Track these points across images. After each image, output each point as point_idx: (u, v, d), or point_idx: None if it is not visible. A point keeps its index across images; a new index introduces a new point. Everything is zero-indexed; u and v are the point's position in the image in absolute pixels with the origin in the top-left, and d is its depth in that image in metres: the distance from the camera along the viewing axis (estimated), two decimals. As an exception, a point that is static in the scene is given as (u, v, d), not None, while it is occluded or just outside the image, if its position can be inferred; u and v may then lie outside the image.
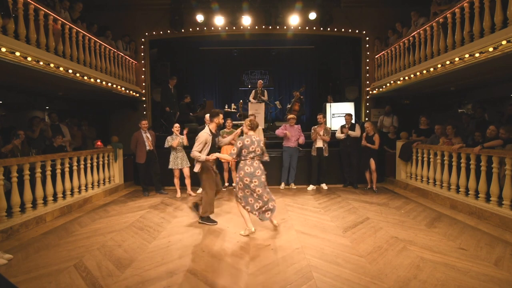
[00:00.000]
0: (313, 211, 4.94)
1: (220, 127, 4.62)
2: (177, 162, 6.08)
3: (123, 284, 2.67)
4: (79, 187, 5.63)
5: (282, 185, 6.78)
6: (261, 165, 3.81)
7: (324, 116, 6.85)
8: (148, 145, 6.18)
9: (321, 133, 6.52)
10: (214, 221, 4.28)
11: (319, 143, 6.58)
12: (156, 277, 2.78)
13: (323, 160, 6.61)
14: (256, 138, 3.77)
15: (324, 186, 6.76)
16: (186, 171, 6.13)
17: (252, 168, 3.68)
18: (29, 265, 3.05)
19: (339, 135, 6.75)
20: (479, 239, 3.60)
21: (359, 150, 6.55)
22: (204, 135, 4.09)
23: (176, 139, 6.08)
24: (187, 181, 6.19)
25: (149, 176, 6.38)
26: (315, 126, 6.68)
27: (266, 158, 3.89)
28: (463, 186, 4.97)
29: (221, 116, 4.30)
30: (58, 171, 5.04)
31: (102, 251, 3.39)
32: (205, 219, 4.27)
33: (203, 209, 4.26)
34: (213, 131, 4.27)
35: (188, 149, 6.30)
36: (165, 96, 8.25)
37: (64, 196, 5.23)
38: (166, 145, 6.11)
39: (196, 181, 6.49)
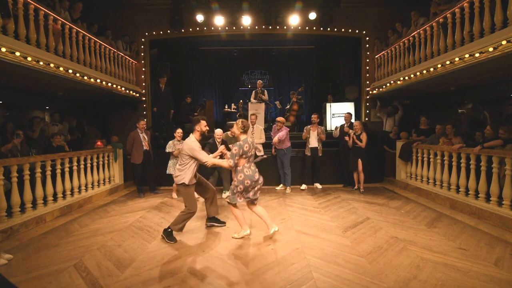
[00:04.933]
0: (313, 211, 4.94)
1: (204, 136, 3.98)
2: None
3: (123, 284, 2.67)
4: (79, 187, 5.63)
5: (279, 186, 6.80)
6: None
7: (318, 117, 6.75)
8: (145, 145, 6.17)
9: (316, 132, 6.50)
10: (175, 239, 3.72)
11: (314, 143, 6.55)
12: (156, 277, 2.78)
13: (317, 159, 6.60)
14: (251, 141, 3.63)
15: (318, 185, 6.76)
16: None
17: (251, 171, 3.57)
18: (29, 265, 3.05)
19: (336, 132, 6.77)
20: (479, 239, 3.60)
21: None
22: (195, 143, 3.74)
23: (179, 145, 5.88)
24: None
25: (144, 176, 6.36)
26: (308, 126, 6.66)
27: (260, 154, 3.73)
28: (463, 186, 4.97)
29: (203, 123, 3.82)
30: (58, 171, 5.04)
31: (102, 251, 3.39)
32: (168, 234, 3.71)
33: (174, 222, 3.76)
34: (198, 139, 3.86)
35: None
36: (154, 95, 8.11)
37: (64, 196, 5.23)
38: (167, 150, 5.95)
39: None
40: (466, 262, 2.99)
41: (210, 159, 3.70)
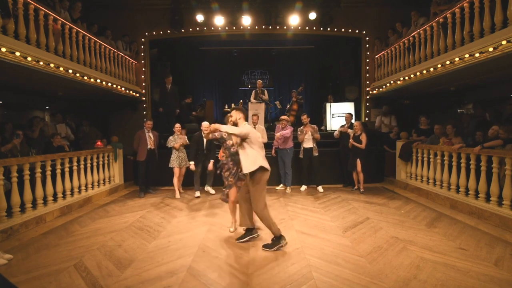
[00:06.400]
0: (313, 211, 4.94)
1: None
2: (179, 161, 6.09)
3: (123, 284, 2.67)
4: (79, 187, 5.63)
5: (280, 186, 6.78)
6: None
7: (308, 116, 6.65)
8: (150, 144, 6.24)
9: (310, 132, 6.41)
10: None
11: (308, 144, 6.43)
12: (156, 277, 2.78)
13: (314, 160, 6.46)
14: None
15: (320, 188, 6.48)
16: (183, 171, 6.27)
17: None
18: (29, 265, 3.05)
19: (336, 133, 6.75)
20: (479, 239, 3.60)
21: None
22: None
23: (180, 139, 6.11)
24: (181, 180, 6.36)
25: (147, 174, 6.40)
26: (301, 127, 6.54)
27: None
28: (463, 186, 4.97)
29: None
30: (58, 171, 5.04)
31: (102, 251, 3.39)
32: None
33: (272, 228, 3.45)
34: None
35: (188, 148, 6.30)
36: (160, 96, 8.25)
37: (64, 196, 5.23)
38: (168, 145, 6.13)
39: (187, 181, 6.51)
40: (466, 262, 2.99)
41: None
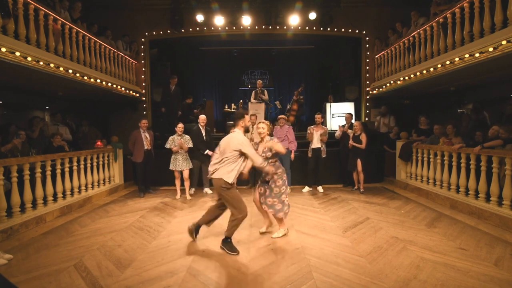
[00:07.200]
0: (313, 211, 4.94)
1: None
2: (177, 163, 5.84)
3: (123, 284, 2.67)
4: (79, 187, 5.63)
5: None
6: None
7: (322, 117, 6.56)
8: (146, 145, 6.19)
9: (319, 133, 6.32)
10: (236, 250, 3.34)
11: (317, 144, 6.34)
12: (156, 277, 2.78)
13: (320, 161, 6.40)
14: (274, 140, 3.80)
15: (320, 189, 6.46)
16: (186, 174, 5.89)
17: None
18: (29, 265, 3.05)
19: (337, 134, 6.73)
20: (479, 239, 3.60)
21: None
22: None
23: (179, 140, 5.85)
24: (186, 184, 5.97)
25: (145, 175, 6.37)
26: (312, 126, 6.49)
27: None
28: (463, 186, 4.97)
29: (247, 118, 3.52)
30: (58, 171, 5.04)
31: (102, 251, 3.39)
32: (230, 245, 3.35)
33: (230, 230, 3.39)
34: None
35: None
36: (164, 96, 8.29)
37: (64, 196, 5.23)
38: (166, 145, 5.89)
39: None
40: (466, 262, 2.99)
41: (263, 162, 3.42)
